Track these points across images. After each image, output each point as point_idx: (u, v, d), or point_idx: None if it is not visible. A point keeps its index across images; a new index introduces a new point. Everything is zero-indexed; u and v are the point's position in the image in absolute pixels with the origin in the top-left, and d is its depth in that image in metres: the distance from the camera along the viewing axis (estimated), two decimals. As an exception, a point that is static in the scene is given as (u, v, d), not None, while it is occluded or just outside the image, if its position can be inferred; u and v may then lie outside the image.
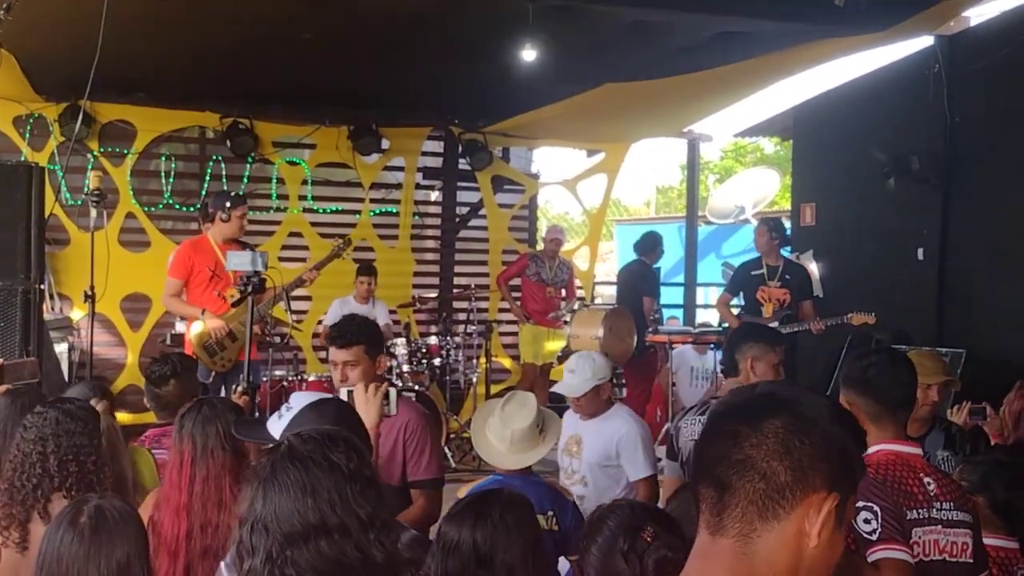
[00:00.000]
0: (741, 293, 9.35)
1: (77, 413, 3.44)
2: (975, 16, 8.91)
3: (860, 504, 3.22)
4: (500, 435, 4.18)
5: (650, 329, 10.13)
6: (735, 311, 9.40)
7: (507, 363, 11.56)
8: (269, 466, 2.20)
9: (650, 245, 10.70)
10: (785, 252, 9.57)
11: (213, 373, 7.29)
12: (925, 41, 9.06)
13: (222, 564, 2.61)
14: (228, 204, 7.59)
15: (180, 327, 8.40)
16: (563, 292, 10.94)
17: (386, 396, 3.88)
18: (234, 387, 6.68)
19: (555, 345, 10.71)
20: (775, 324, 8.43)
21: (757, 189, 15.50)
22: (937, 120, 8.87)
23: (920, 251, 9.07)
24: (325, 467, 2.19)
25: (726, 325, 9.48)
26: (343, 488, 2.18)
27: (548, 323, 10.51)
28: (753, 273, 9.14)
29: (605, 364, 5.39)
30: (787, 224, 10.12)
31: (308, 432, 2.31)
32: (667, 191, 29.89)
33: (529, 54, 7.82)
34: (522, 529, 2.90)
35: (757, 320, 8.69)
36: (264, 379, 9.01)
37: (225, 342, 7.32)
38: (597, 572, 2.53)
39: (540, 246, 11.65)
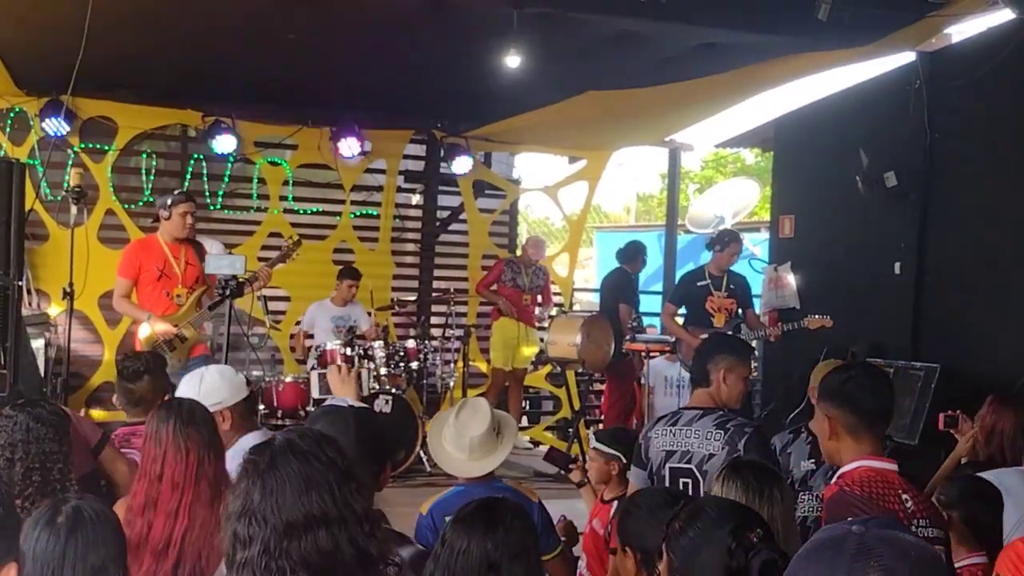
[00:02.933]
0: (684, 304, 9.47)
1: (48, 418, 3.38)
2: (957, 33, 8.99)
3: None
4: (458, 444, 4.12)
5: (628, 337, 10.17)
6: (679, 320, 9.51)
7: (484, 367, 11.54)
8: (268, 459, 2.22)
9: (631, 254, 10.74)
10: (760, 263, 9.61)
11: None
12: (907, 57, 9.11)
13: (222, 563, 2.61)
14: (169, 202, 7.52)
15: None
16: (539, 298, 10.94)
17: (359, 376, 3.84)
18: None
19: (530, 351, 10.71)
20: (729, 333, 8.53)
21: (737, 199, 15.53)
22: (917, 136, 8.91)
23: (897, 265, 9.11)
24: (325, 461, 2.25)
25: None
26: (342, 483, 2.23)
27: (527, 320, 10.64)
28: (698, 284, 9.24)
29: (221, 385, 4.24)
30: (766, 235, 10.17)
31: (302, 430, 2.36)
32: (647, 199, 29.94)
33: (513, 60, 7.84)
34: (527, 538, 2.92)
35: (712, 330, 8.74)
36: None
37: (175, 342, 7.28)
38: (685, 553, 2.50)
39: (519, 252, 11.64)
